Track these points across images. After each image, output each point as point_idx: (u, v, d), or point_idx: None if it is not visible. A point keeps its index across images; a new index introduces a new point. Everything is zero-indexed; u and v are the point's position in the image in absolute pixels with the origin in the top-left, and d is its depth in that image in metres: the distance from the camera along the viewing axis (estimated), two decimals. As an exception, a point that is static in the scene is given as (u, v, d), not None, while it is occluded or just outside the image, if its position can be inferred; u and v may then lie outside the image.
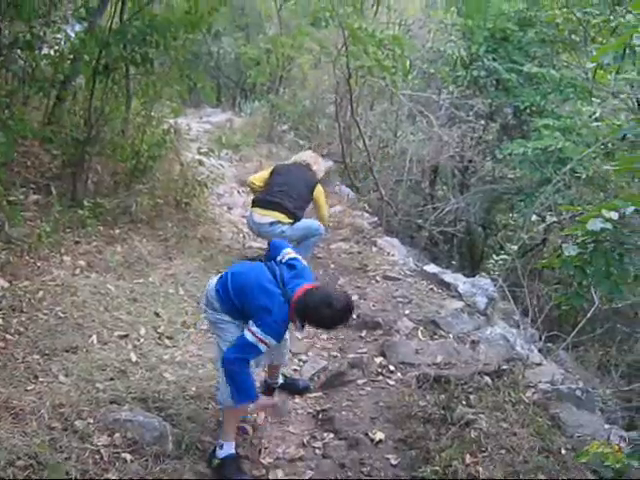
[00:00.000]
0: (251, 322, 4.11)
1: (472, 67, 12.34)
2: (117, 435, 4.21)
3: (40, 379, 4.68)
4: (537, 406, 4.73)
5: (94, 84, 7.63)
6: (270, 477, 4.43)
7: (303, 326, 4.33)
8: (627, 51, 4.36)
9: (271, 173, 7.55)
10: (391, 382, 5.38)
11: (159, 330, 5.82)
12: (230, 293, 4.29)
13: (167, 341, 5.72)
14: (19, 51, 7.59)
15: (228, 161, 11.96)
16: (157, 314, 6.06)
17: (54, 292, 5.81)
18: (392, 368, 5.56)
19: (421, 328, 6.23)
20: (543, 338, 6.75)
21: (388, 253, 8.60)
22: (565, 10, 10.64)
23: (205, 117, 15.89)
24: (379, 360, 5.68)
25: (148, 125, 8.67)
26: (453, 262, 12.07)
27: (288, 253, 4.42)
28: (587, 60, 10.24)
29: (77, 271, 6.36)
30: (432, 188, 13.68)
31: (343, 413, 5.02)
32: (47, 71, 7.86)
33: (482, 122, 12.72)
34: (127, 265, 6.78)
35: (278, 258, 4.40)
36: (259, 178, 7.61)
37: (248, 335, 4.08)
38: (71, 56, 7.76)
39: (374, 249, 8.69)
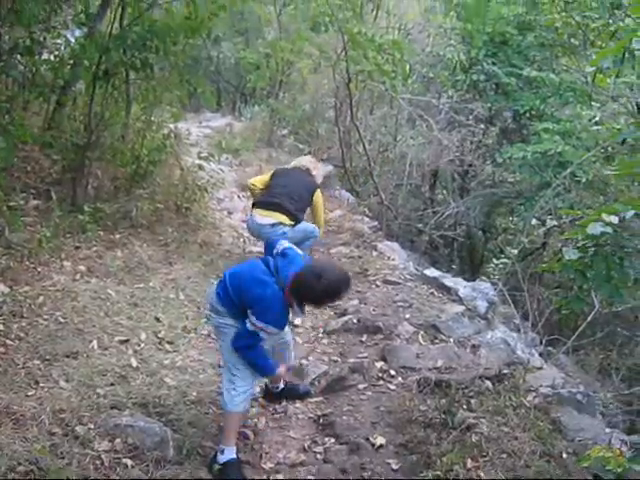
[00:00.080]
0: (249, 312, 4.17)
1: (472, 71, 12.36)
2: (118, 440, 4.21)
3: (41, 384, 4.67)
4: (538, 410, 4.72)
5: (94, 89, 7.64)
6: (271, 482, 4.43)
7: (302, 309, 4.34)
8: (626, 55, 4.38)
9: (271, 176, 7.55)
10: (392, 386, 5.37)
11: (160, 335, 5.82)
12: (229, 292, 4.33)
13: (168, 346, 5.72)
14: (19, 56, 7.59)
15: (228, 166, 11.96)
16: (158, 319, 6.06)
17: (54, 297, 5.81)
18: (393, 372, 5.54)
19: (422, 332, 6.22)
20: (544, 342, 6.75)
21: (388, 257, 8.59)
22: (564, 14, 10.65)
23: (205, 122, 15.90)
24: (380, 364, 5.66)
25: (148, 130, 8.68)
26: (453, 266, 12.07)
27: (282, 244, 4.43)
28: (586, 64, 10.24)
29: (77, 276, 6.36)
30: (432, 192, 13.69)
31: (344, 418, 5.00)
32: (47, 76, 7.87)
33: (482, 126, 12.72)
34: (127, 270, 6.78)
35: (274, 252, 4.40)
36: (259, 181, 7.61)
37: (248, 325, 4.17)
38: (71, 61, 7.77)
39: (374, 253, 8.68)
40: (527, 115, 11.93)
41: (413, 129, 13.08)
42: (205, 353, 5.78)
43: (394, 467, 4.44)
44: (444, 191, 14.25)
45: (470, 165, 12.68)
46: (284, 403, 5.27)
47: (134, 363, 5.26)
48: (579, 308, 6.79)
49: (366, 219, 10.51)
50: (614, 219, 3.87)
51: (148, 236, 7.64)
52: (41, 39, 7.89)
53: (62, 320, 5.52)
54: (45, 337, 5.22)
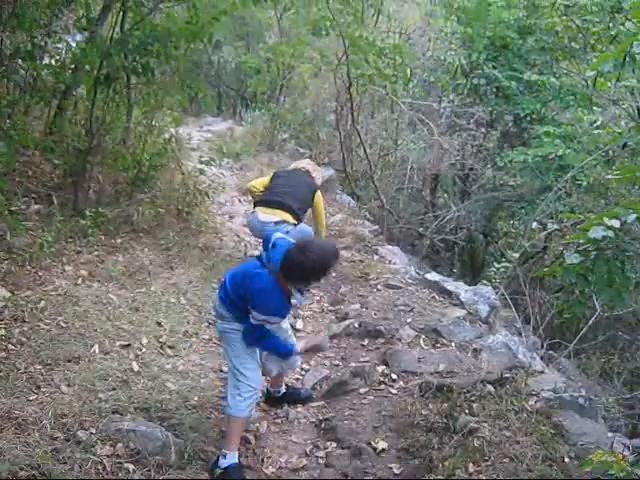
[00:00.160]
0: (250, 308, 4.21)
1: (472, 75, 12.38)
2: (120, 445, 4.21)
3: (42, 389, 4.67)
4: (540, 414, 4.71)
5: (95, 94, 7.65)
6: (273, 486, 4.43)
7: (301, 292, 4.35)
8: (627, 59, 4.37)
9: (272, 178, 7.50)
10: (393, 391, 5.37)
11: (161, 339, 5.82)
12: (229, 293, 4.37)
13: (169, 350, 5.72)
14: (20, 61, 7.60)
15: (229, 170, 11.97)
16: (159, 323, 6.06)
17: (56, 302, 5.80)
18: (394, 377, 5.54)
19: (423, 336, 6.21)
20: (545, 346, 6.75)
21: (389, 261, 8.60)
22: (565, 18, 10.67)
23: (206, 126, 15.92)
24: (381, 369, 5.67)
25: (149, 134, 8.69)
26: (454, 270, 12.09)
27: (275, 236, 4.43)
28: (587, 68, 10.25)
29: (79, 281, 6.36)
30: (433, 196, 13.69)
31: (345, 422, 5.00)
32: (48, 81, 7.86)
33: (482, 130, 12.74)
34: (129, 274, 6.78)
35: (269, 246, 4.40)
36: (260, 183, 7.55)
37: (253, 321, 4.22)
38: (72, 66, 7.77)
39: (375, 257, 8.69)
40: (528, 119, 11.95)
41: (414, 133, 13.10)
42: (206, 357, 5.79)
43: (396, 471, 4.45)
44: (445, 195, 14.28)
45: (471, 169, 12.69)
46: (285, 407, 5.27)
47: (135, 368, 5.25)
48: (581, 312, 6.80)
49: (367, 223, 10.52)
50: (616, 223, 3.87)
51: (149, 240, 7.64)
52: (42, 44, 7.90)
53: (63, 325, 5.52)
54: (46, 342, 5.21)
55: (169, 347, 5.76)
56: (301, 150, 13.61)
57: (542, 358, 6.43)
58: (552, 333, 7.67)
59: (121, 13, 8.11)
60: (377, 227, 10.57)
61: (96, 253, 7.00)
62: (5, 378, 4.65)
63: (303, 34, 12.87)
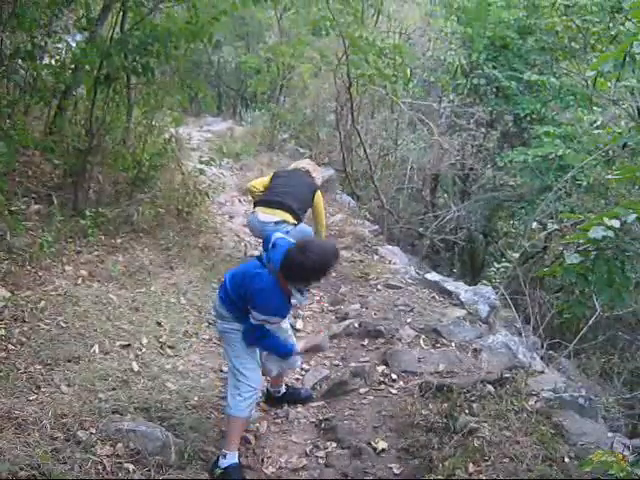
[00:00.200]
0: (250, 308, 4.21)
1: (472, 75, 12.38)
2: (120, 445, 4.21)
3: (42, 389, 4.67)
4: (540, 414, 4.71)
5: (95, 94, 7.64)
6: (273, 486, 4.43)
7: (302, 293, 4.35)
8: (627, 59, 4.37)
9: (272, 177, 7.48)
10: (393, 391, 5.37)
11: (161, 339, 5.82)
12: (229, 293, 4.37)
13: (169, 350, 5.72)
14: (20, 61, 7.59)
15: (229, 170, 11.97)
16: (159, 323, 6.06)
17: (56, 302, 5.80)
18: (394, 377, 5.54)
19: (423, 336, 6.21)
20: (545, 346, 6.75)
21: (389, 261, 8.60)
22: (565, 18, 10.67)
23: (206, 126, 15.92)
24: (381, 369, 5.67)
25: (149, 134, 8.69)
26: (454, 270, 12.09)
27: (275, 236, 4.43)
28: (587, 68, 10.25)
29: (79, 281, 6.35)
30: (433, 196, 13.70)
31: (345, 422, 5.01)
32: (48, 81, 7.86)
33: (482, 130, 12.74)
34: (129, 274, 6.78)
35: (269, 246, 4.39)
36: (259, 183, 7.53)
37: (253, 321, 4.22)
38: (72, 66, 7.77)
39: (375, 257, 8.69)
40: (528, 119, 11.95)
41: (414, 133, 13.11)
42: (206, 357, 5.79)
43: (396, 471, 4.45)
44: (445, 195, 14.28)
45: (471, 169, 12.69)
46: (285, 407, 5.27)
47: (135, 368, 5.25)
48: (581, 312, 6.80)
49: (367, 223, 10.52)
50: (616, 223, 3.87)
51: (149, 240, 7.64)
52: (42, 44, 7.90)
53: (63, 325, 5.52)
54: (46, 342, 5.21)
55: (169, 347, 5.76)
56: (301, 150, 13.61)
57: (542, 358, 6.43)
58: (552, 333, 7.67)
59: (121, 13, 8.11)
60: (377, 227, 10.57)
61: (96, 253, 7.00)
62: (5, 378, 4.65)
63: (303, 34, 12.87)
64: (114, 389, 4.86)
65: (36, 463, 3.80)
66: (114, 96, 8.03)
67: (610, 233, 3.88)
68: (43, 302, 5.72)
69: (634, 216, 3.89)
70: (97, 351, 5.32)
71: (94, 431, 4.28)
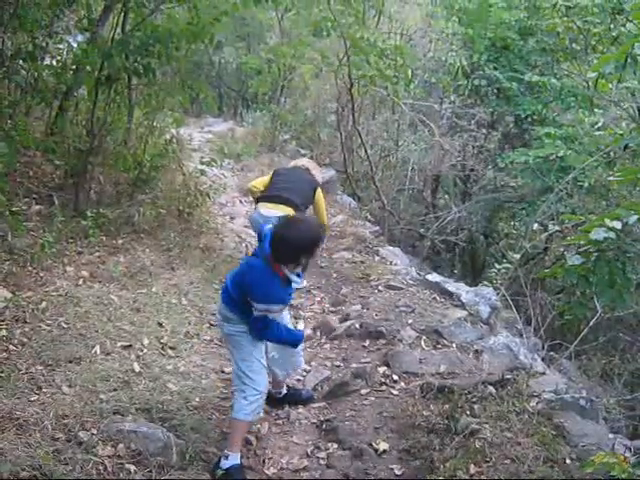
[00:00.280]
0: (251, 301, 4.19)
1: (473, 76, 12.39)
2: (121, 446, 4.20)
3: (43, 390, 4.66)
4: (541, 415, 4.71)
5: (96, 94, 7.65)
6: (274, 487, 4.43)
7: (298, 274, 4.33)
8: (629, 60, 4.38)
9: (272, 175, 7.45)
10: (395, 392, 5.36)
11: (162, 340, 5.82)
12: (231, 293, 4.36)
13: (170, 351, 5.72)
14: (22, 62, 7.59)
15: (230, 171, 11.99)
16: (160, 324, 6.06)
17: (57, 302, 5.79)
18: (396, 378, 5.54)
19: (424, 337, 6.21)
20: (546, 347, 6.74)
21: (390, 262, 8.61)
22: (566, 19, 10.66)
23: (207, 127, 15.96)
24: (382, 370, 5.66)
25: (150, 135, 8.70)
26: (455, 271, 12.10)
27: (267, 227, 4.42)
28: (588, 69, 10.26)
29: (80, 281, 6.35)
30: (434, 197, 13.70)
31: (347, 423, 5.00)
32: (50, 82, 7.87)
33: (484, 131, 12.76)
34: (130, 275, 6.77)
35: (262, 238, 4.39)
36: (260, 182, 7.49)
37: (255, 312, 4.20)
38: (73, 67, 7.77)
39: (376, 258, 8.70)
40: (529, 120, 11.95)
41: (415, 134, 13.13)
42: (208, 358, 5.79)
43: (397, 473, 4.44)
44: (446, 196, 14.29)
45: (472, 170, 12.70)
46: (287, 408, 5.27)
47: (137, 368, 5.25)
48: (581, 313, 6.79)
49: (368, 224, 10.53)
50: (617, 224, 3.87)
51: (150, 241, 7.64)
52: (44, 44, 7.91)
53: (65, 325, 5.51)
54: (48, 342, 5.20)
55: (170, 348, 5.76)
56: (302, 151, 13.63)
57: (543, 359, 6.43)
58: (553, 334, 7.66)
59: (122, 14, 8.11)
60: (378, 228, 10.58)
61: (97, 254, 6.99)
62: (6, 379, 4.64)
63: (304, 35, 12.89)
64: (115, 390, 4.85)
65: (37, 464, 3.79)
66: (115, 97, 8.03)
67: (611, 234, 3.88)
68: (44, 303, 5.72)
69: (635, 217, 3.89)
70: (98, 352, 5.31)
71: (95, 432, 4.28)
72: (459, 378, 5.40)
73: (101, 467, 4.01)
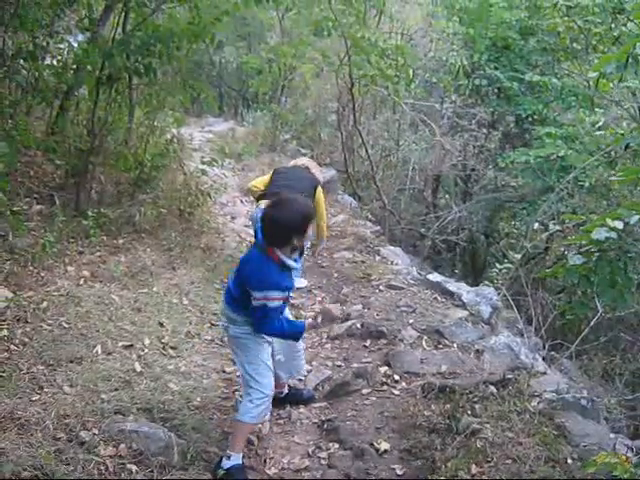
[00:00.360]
0: (250, 291, 4.14)
1: (474, 76, 12.39)
2: (122, 446, 4.20)
3: (45, 390, 4.66)
4: (542, 415, 4.70)
5: (97, 94, 7.65)
6: (275, 487, 4.43)
7: (294, 257, 4.30)
8: (630, 60, 4.37)
9: (272, 174, 7.43)
10: (396, 392, 5.36)
11: (163, 340, 5.82)
12: (233, 292, 4.33)
13: (171, 351, 5.72)
14: (22, 61, 7.60)
15: (231, 170, 11.98)
16: (161, 324, 6.06)
17: (58, 302, 5.80)
18: (397, 378, 5.53)
19: (425, 337, 6.21)
20: (547, 347, 6.74)
21: (391, 262, 8.60)
22: (566, 19, 10.65)
23: (207, 126, 15.96)
24: (384, 370, 5.65)
25: (151, 135, 8.71)
26: (456, 271, 12.10)
27: (259, 209, 4.40)
28: (589, 68, 10.25)
29: (81, 281, 6.35)
30: (434, 197, 13.71)
31: (348, 423, 5.00)
32: (50, 81, 7.87)
33: (484, 131, 12.76)
34: (131, 275, 6.78)
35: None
36: (260, 182, 7.45)
37: (254, 302, 4.12)
38: (74, 66, 7.78)
39: (377, 258, 8.69)
40: (529, 119, 11.95)
41: (416, 134, 13.13)
42: (209, 358, 5.78)
43: (398, 472, 4.44)
44: (447, 196, 14.29)
45: (473, 170, 12.71)
46: (288, 408, 5.26)
47: (138, 368, 5.25)
48: (583, 313, 6.79)
49: (369, 224, 10.53)
50: (619, 224, 3.86)
51: (151, 241, 7.65)
52: (44, 44, 7.91)
53: (66, 325, 5.51)
54: (49, 342, 5.21)
55: (171, 348, 5.76)
56: (303, 151, 13.63)
57: (544, 359, 6.43)
58: (554, 334, 7.65)
59: (123, 13, 8.11)
60: (379, 228, 10.58)
61: (98, 254, 7.00)
62: (8, 379, 4.65)
63: (305, 34, 12.89)
64: (117, 390, 4.85)
65: (39, 464, 3.79)
66: (116, 97, 8.03)
67: (613, 234, 3.88)
68: (45, 303, 5.72)
69: (637, 217, 3.89)
70: (99, 352, 5.31)
71: (97, 432, 4.28)
72: (460, 378, 5.40)
73: (102, 467, 4.01)
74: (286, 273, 4.22)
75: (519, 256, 7.94)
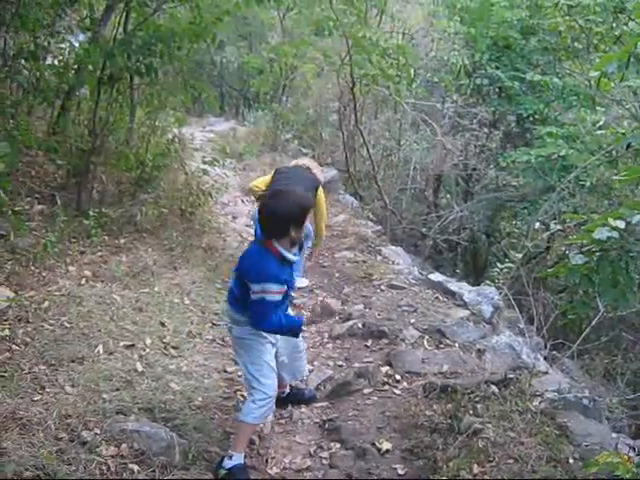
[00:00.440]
0: (249, 284, 4.12)
1: (475, 75, 12.38)
2: (124, 446, 4.19)
3: (46, 389, 4.66)
4: (544, 415, 4.70)
5: (98, 94, 7.66)
6: (277, 487, 4.43)
7: (294, 248, 4.29)
8: (631, 59, 4.37)
9: (274, 174, 7.43)
10: (397, 391, 5.36)
11: (165, 340, 5.82)
12: (235, 292, 4.32)
13: (173, 351, 5.71)
14: (24, 61, 7.61)
15: (232, 170, 11.98)
16: (163, 324, 6.06)
17: (60, 302, 5.80)
18: (398, 377, 5.53)
19: (427, 337, 6.20)
20: (548, 346, 6.73)
21: (393, 262, 8.60)
22: (568, 18, 10.65)
23: (208, 126, 15.97)
24: (385, 369, 5.65)
25: (152, 135, 8.70)
26: (457, 270, 12.10)
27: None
28: (590, 68, 10.25)
29: (83, 281, 6.35)
30: (436, 196, 13.70)
31: (349, 423, 4.99)
32: (52, 81, 7.88)
33: (485, 130, 12.75)
34: (132, 275, 6.77)
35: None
36: (261, 182, 7.45)
37: (252, 296, 4.09)
38: (75, 66, 7.79)
39: (379, 258, 8.69)
40: (531, 119, 11.95)
41: (417, 133, 13.13)
42: (210, 358, 5.78)
43: (400, 472, 4.43)
44: (448, 195, 14.29)
45: (474, 169, 12.71)
46: (289, 408, 5.25)
47: (139, 368, 5.25)
48: (584, 312, 6.78)
49: (370, 223, 10.52)
50: (621, 224, 3.86)
51: (153, 241, 7.65)
52: (45, 44, 7.93)
53: (67, 325, 5.51)
54: (51, 342, 5.21)
55: (173, 347, 5.76)
56: (304, 150, 13.63)
57: (545, 359, 6.42)
58: (555, 333, 7.63)
59: (124, 13, 8.12)
60: (380, 227, 10.57)
61: (100, 253, 7.00)
62: (9, 378, 4.65)
63: (306, 34, 12.90)
64: (118, 389, 4.85)
65: (41, 464, 3.79)
66: (117, 96, 8.03)
67: (615, 234, 3.87)
68: (47, 302, 5.73)
69: (639, 217, 3.88)
70: (101, 351, 5.31)
71: (98, 431, 4.27)
72: (462, 377, 5.40)
73: (104, 467, 4.00)
74: (285, 267, 4.20)
75: (520, 255, 7.93)
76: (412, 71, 11.64)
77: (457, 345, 6.08)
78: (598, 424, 4.87)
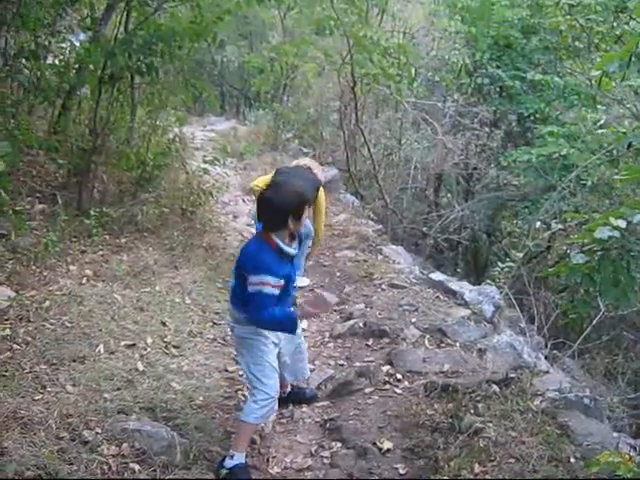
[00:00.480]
0: (247, 277, 4.11)
1: (476, 74, 12.39)
2: (125, 445, 4.19)
3: (48, 389, 4.66)
4: (545, 414, 4.70)
5: (99, 93, 7.66)
6: (278, 486, 4.43)
7: (292, 241, 4.28)
8: (633, 59, 4.36)
9: (275, 174, 7.42)
10: (398, 391, 5.35)
11: (166, 339, 5.82)
12: (236, 291, 4.31)
13: (174, 350, 5.71)
14: (24, 61, 7.61)
15: (233, 169, 11.98)
16: (164, 323, 6.06)
17: (61, 301, 5.80)
18: (399, 377, 5.52)
19: (428, 336, 6.20)
20: (549, 346, 6.73)
21: (394, 261, 8.60)
22: (569, 17, 10.64)
23: (209, 125, 15.96)
24: (386, 369, 5.65)
25: (153, 134, 8.71)
26: (458, 270, 12.08)
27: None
28: (591, 67, 10.25)
29: (83, 280, 6.36)
30: (437, 196, 13.70)
31: (351, 422, 4.99)
32: (52, 81, 7.89)
33: (486, 129, 12.74)
34: (133, 274, 6.77)
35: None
36: (262, 182, 7.41)
37: (250, 288, 4.07)
38: (76, 66, 7.79)
39: (380, 257, 8.69)
40: (532, 118, 11.94)
41: (418, 132, 13.13)
42: (211, 357, 5.78)
43: (401, 472, 4.43)
44: (449, 194, 14.28)
45: (475, 168, 12.70)
46: (291, 407, 5.25)
47: (140, 367, 5.24)
48: (585, 311, 6.78)
49: (371, 223, 10.52)
50: (622, 223, 3.86)
51: (154, 240, 7.65)
52: (46, 43, 7.93)
53: (68, 324, 5.52)
54: (52, 341, 5.21)
55: (174, 347, 5.76)
56: (305, 150, 13.64)
57: (546, 358, 6.41)
58: (556, 333, 7.63)
59: (125, 13, 8.12)
60: (381, 227, 10.57)
61: (101, 253, 7.00)
62: (11, 378, 4.65)
63: (307, 33, 12.91)
64: (119, 389, 4.85)
65: (42, 463, 3.79)
66: (118, 96, 8.04)
67: (616, 233, 3.87)
68: (48, 302, 5.73)
69: (640, 216, 3.88)
70: (102, 351, 5.31)
71: (100, 431, 4.28)
72: (463, 377, 5.39)
73: (105, 466, 4.01)
74: (284, 260, 4.19)
75: (521, 255, 7.92)
76: (413, 70, 11.65)
77: (458, 344, 6.08)
78: (599, 423, 4.86)
